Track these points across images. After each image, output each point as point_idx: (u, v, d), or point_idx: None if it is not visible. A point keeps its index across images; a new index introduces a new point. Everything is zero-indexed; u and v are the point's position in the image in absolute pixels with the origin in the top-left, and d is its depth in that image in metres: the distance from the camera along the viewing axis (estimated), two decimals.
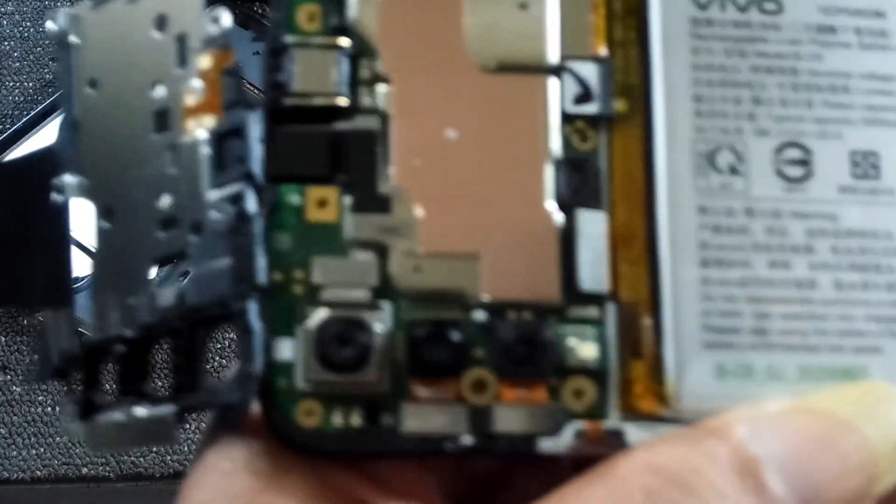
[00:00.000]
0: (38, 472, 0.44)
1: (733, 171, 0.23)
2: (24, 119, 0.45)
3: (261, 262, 0.22)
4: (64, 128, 0.27)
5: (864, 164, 0.23)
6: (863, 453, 0.21)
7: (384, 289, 0.22)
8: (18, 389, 0.44)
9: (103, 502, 0.46)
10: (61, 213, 0.27)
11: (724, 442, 0.20)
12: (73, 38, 0.28)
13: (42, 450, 0.44)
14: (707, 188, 0.23)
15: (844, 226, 0.23)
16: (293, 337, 0.22)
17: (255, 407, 0.22)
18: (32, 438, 0.44)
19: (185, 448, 0.43)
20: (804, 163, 0.23)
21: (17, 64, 0.49)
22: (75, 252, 0.28)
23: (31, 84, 0.48)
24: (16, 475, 0.44)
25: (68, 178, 0.27)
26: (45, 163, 0.28)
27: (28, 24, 0.49)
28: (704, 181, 0.23)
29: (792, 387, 0.22)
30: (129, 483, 0.43)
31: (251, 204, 0.22)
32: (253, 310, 0.21)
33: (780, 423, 0.21)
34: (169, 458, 0.43)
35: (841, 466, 0.20)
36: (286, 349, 0.22)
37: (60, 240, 0.28)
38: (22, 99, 0.48)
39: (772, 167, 0.23)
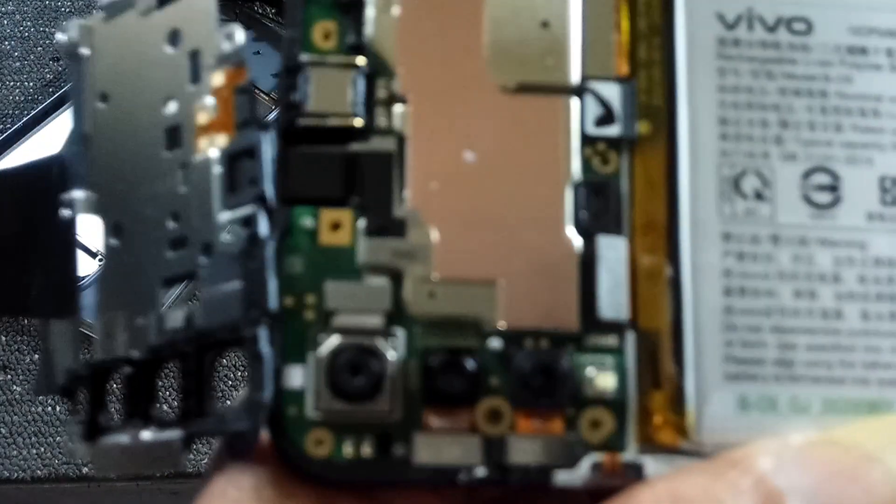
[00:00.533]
0: (39, 472, 0.44)
1: (759, 196, 0.22)
2: (25, 119, 0.45)
3: (272, 286, 0.21)
4: (73, 141, 0.27)
5: (894, 191, 0.23)
6: (890, 486, 0.20)
7: (398, 315, 0.22)
8: (19, 389, 0.44)
9: (104, 502, 0.46)
10: (68, 225, 0.27)
11: (748, 473, 0.20)
12: (83, 50, 0.27)
13: (42, 449, 0.44)
14: (732, 214, 0.22)
15: (872, 254, 0.22)
16: (304, 364, 0.21)
17: (265, 434, 0.21)
18: (33, 438, 0.44)
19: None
20: (832, 188, 0.22)
21: (18, 64, 0.48)
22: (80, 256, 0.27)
23: (31, 84, 0.47)
24: (16, 474, 0.44)
25: (77, 194, 0.26)
26: (50, 172, 0.28)
27: (28, 23, 0.49)
28: (729, 207, 0.22)
29: (816, 420, 0.21)
30: (130, 482, 0.43)
31: (263, 227, 0.21)
32: (263, 335, 0.21)
33: (804, 455, 0.20)
34: None
35: (868, 499, 0.20)
36: (297, 376, 0.21)
37: (66, 251, 0.27)
38: (22, 99, 0.47)
39: (799, 193, 0.22)
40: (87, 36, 0.27)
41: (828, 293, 0.22)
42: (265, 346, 0.21)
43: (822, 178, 0.22)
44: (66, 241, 0.27)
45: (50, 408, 0.46)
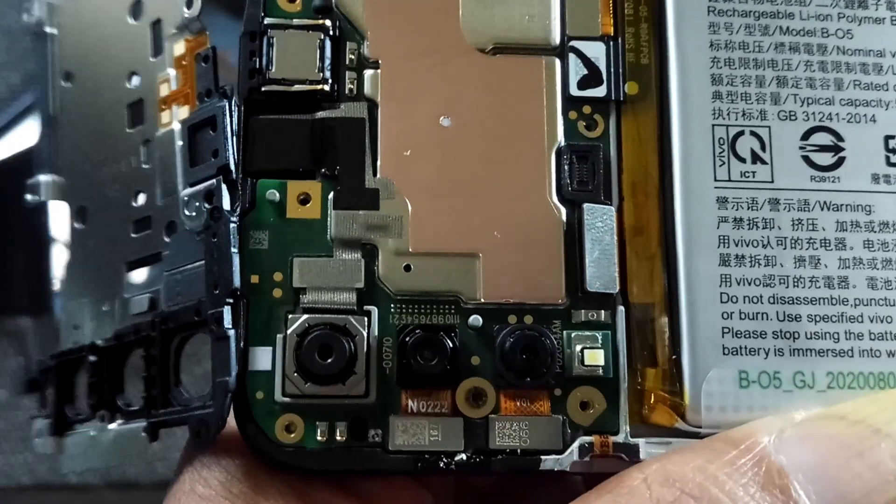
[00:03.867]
0: (24, 479, 0.42)
1: (756, 158, 0.21)
2: (11, 113, 0.43)
3: (235, 263, 0.20)
4: (40, 124, 0.26)
5: None
6: None
7: (371, 292, 0.20)
8: (4, 394, 0.43)
9: None
10: (39, 215, 0.26)
11: (747, 451, 0.18)
12: (49, 29, 0.26)
13: (28, 456, 0.42)
14: (727, 178, 0.21)
15: (879, 218, 0.21)
16: (271, 345, 0.20)
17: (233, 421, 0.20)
18: (19, 444, 0.43)
19: (175, 455, 0.40)
20: (834, 149, 0.21)
21: (4, 57, 0.47)
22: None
23: (17, 79, 0.46)
24: (1, 482, 0.43)
25: (43, 178, 0.25)
26: (24, 164, 0.27)
27: (15, 15, 0.47)
28: (724, 170, 0.21)
29: (822, 395, 0.20)
30: (117, 491, 0.41)
31: (225, 201, 0.20)
32: (227, 316, 0.19)
33: (808, 430, 0.19)
34: (158, 466, 0.41)
35: (874, 476, 0.18)
36: (264, 359, 0.20)
37: (39, 244, 0.26)
38: (9, 95, 0.46)
39: (799, 154, 0.21)
40: (52, 14, 0.26)
41: (832, 260, 0.21)
42: (229, 327, 0.19)
43: (823, 138, 0.21)
44: (39, 231, 0.26)
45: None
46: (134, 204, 0.23)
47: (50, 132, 0.25)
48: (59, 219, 0.25)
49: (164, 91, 0.22)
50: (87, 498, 0.41)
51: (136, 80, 0.23)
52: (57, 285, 0.25)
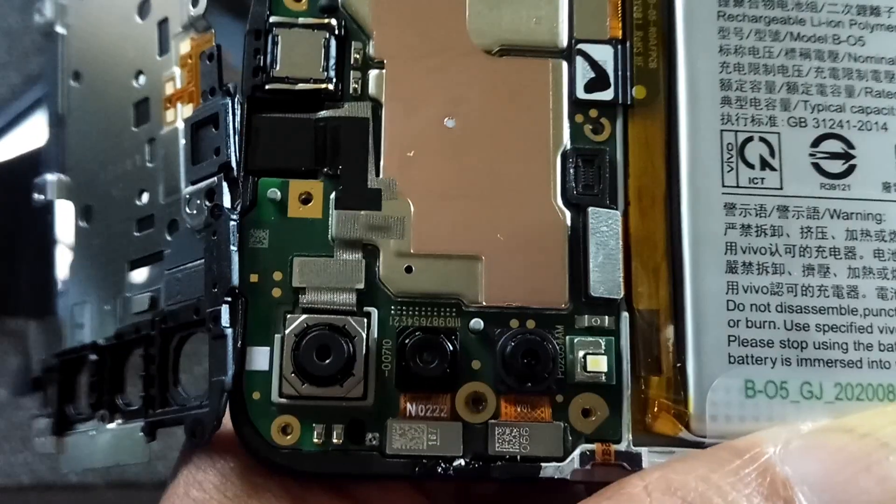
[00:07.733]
0: (25, 479, 0.42)
1: (765, 164, 0.20)
2: (11, 113, 0.43)
3: (235, 261, 0.20)
4: (49, 123, 0.26)
5: None
6: None
7: (372, 293, 0.20)
8: (4, 393, 0.42)
9: None
10: (45, 215, 0.26)
11: (752, 461, 0.18)
12: (59, 29, 0.26)
13: (28, 455, 0.42)
14: (735, 184, 0.20)
15: (889, 227, 0.20)
16: (269, 345, 0.20)
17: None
18: (19, 443, 0.42)
19: (176, 454, 0.40)
20: (845, 156, 0.21)
21: (5, 58, 0.46)
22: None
23: (19, 79, 0.45)
24: (1, 482, 0.42)
25: (50, 177, 0.25)
26: (32, 164, 0.27)
27: (16, 16, 0.47)
28: (732, 176, 0.20)
29: (829, 407, 0.20)
30: (118, 491, 0.41)
31: (226, 198, 0.20)
32: (225, 314, 0.19)
33: (814, 442, 0.19)
34: (158, 465, 0.40)
35: (881, 491, 0.18)
36: (261, 359, 0.20)
37: (45, 243, 0.26)
38: (10, 95, 0.45)
39: (808, 161, 0.21)
40: (62, 13, 0.26)
41: (841, 269, 0.20)
42: (226, 326, 0.19)
43: (833, 146, 0.21)
44: (44, 232, 0.26)
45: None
46: (137, 203, 0.23)
47: (58, 131, 0.25)
48: (65, 218, 0.25)
49: (169, 89, 0.22)
50: (87, 497, 0.41)
51: (142, 79, 0.23)
52: (61, 284, 0.25)
